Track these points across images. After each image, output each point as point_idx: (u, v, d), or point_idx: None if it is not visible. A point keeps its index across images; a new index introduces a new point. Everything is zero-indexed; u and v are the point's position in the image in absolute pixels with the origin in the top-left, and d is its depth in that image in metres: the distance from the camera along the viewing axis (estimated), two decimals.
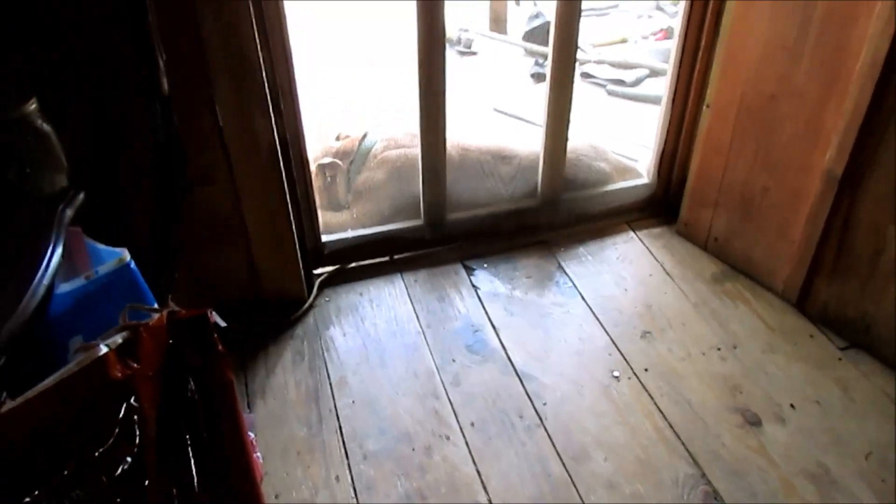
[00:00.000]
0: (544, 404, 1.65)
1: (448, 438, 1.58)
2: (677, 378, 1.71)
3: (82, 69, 1.36)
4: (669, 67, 2.02)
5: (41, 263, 1.03)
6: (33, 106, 1.12)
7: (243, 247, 1.74)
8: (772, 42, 1.68)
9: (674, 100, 2.03)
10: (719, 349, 1.79)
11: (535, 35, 3.51)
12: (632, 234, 2.17)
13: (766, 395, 1.66)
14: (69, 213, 1.14)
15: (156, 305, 1.18)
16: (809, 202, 1.72)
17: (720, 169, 1.94)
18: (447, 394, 1.68)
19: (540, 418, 1.62)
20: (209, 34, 1.43)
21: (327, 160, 2.22)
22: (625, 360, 1.77)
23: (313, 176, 1.92)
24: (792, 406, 1.64)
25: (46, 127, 1.15)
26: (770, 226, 1.86)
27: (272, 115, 1.60)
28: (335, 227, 2.08)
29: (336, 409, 1.65)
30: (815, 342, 1.80)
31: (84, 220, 1.20)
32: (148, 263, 1.22)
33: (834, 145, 1.61)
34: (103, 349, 0.95)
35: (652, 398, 1.67)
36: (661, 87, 2.17)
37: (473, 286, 2.00)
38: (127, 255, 1.17)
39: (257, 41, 1.50)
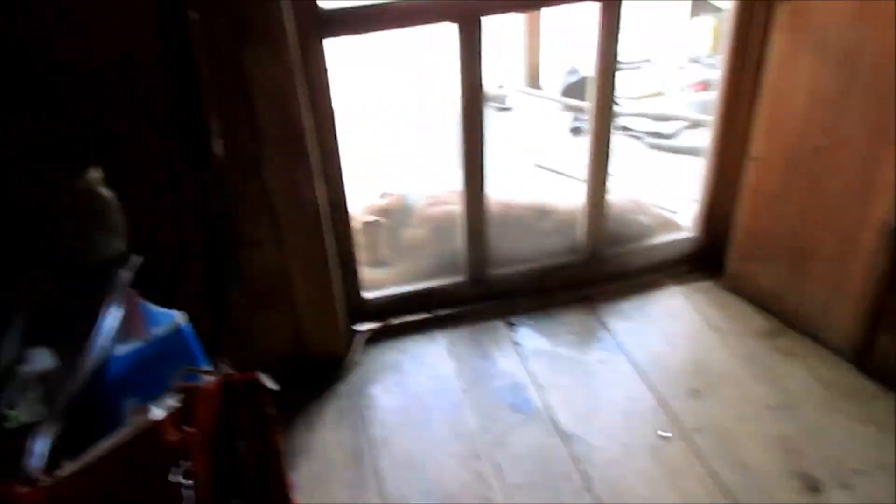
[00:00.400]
0: (591, 467, 1.62)
1: (493, 503, 1.55)
2: (730, 439, 1.66)
3: (142, 137, 1.42)
4: (712, 119, 2.03)
5: (100, 327, 1.06)
6: (97, 174, 1.17)
7: (288, 306, 1.77)
8: (816, 94, 1.68)
9: (716, 152, 2.03)
10: (774, 409, 1.74)
11: (573, 90, 3.57)
12: (677, 288, 2.15)
13: (827, 460, 1.60)
14: (127, 276, 1.18)
15: (208, 367, 1.20)
16: (865, 255, 1.69)
17: (768, 222, 1.92)
18: (491, 455, 1.66)
19: (587, 482, 1.58)
20: (259, 102, 1.49)
21: (371, 218, 2.26)
22: (674, 419, 1.73)
23: (357, 234, 1.95)
24: (856, 472, 1.57)
25: (108, 193, 1.20)
26: (823, 279, 1.83)
27: (317, 177, 1.65)
28: (378, 283, 2.10)
29: (378, 471, 1.64)
30: (878, 402, 1.73)
31: (140, 282, 1.24)
32: (201, 325, 1.24)
33: (888, 196, 1.59)
34: (158, 413, 0.97)
35: (704, 461, 1.62)
36: (700, 138, 2.18)
37: (516, 343, 1.99)
38: (181, 318, 1.20)
39: (303, 107, 1.55)
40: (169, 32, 1.34)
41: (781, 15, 1.70)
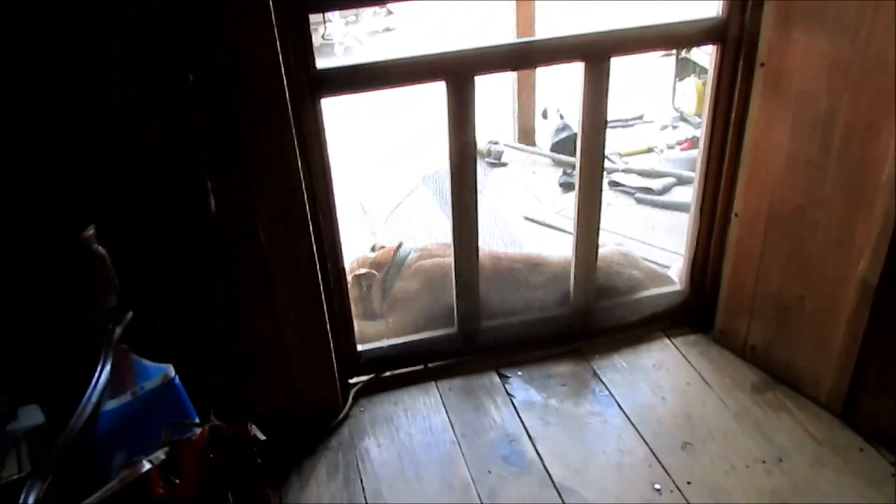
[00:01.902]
0: None
1: None
2: (722, 492, 1.65)
3: (137, 195, 1.45)
4: (696, 177, 2.07)
5: (91, 382, 1.06)
6: (91, 231, 1.19)
7: (280, 359, 1.77)
8: (795, 155, 1.72)
9: (702, 208, 2.06)
10: (764, 462, 1.72)
11: (563, 146, 3.63)
12: (667, 341, 2.15)
13: None
14: (118, 331, 1.19)
15: (197, 420, 1.20)
16: (847, 312, 1.70)
17: (753, 277, 1.94)
18: None
19: None
20: (255, 162, 1.52)
21: (363, 271, 2.27)
22: (666, 472, 1.71)
23: (349, 287, 1.96)
24: None
25: (101, 250, 1.22)
26: (808, 335, 1.84)
27: (311, 231, 1.67)
28: (370, 336, 2.10)
29: None
30: (866, 456, 1.72)
31: (130, 336, 1.24)
32: (192, 379, 1.25)
33: (867, 255, 1.62)
34: (146, 466, 0.97)
35: None
36: (689, 194, 2.21)
37: (508, 394, 1.98)
38: (171, 372, 1.20)
39: (299, 166, 1.58)
40: (167, 92, 1.38)
41: (760, 78, 1.76)
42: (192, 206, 1.46)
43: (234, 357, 1.66)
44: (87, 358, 1.11)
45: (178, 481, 0.98)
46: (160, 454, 0.99)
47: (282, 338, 1.73)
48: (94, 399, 1.05)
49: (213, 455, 1.04)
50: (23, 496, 0.93)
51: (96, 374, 1.07)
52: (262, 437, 1.08)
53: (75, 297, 1.18)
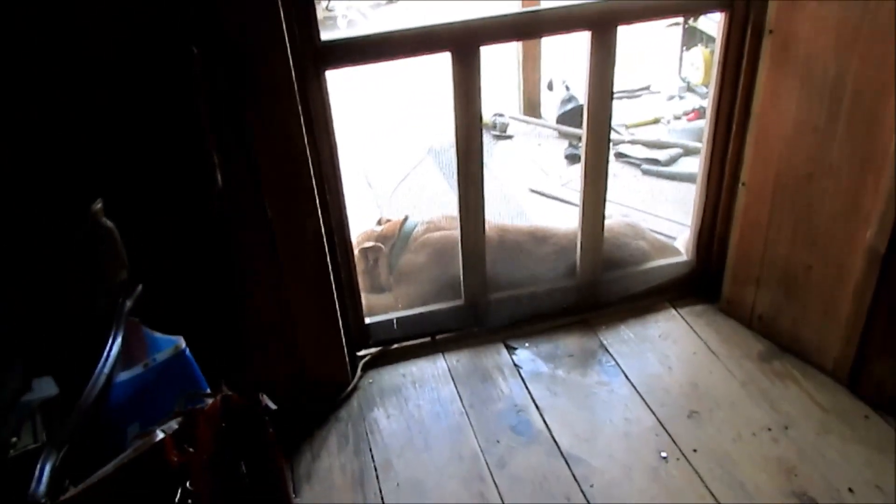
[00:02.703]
0: (592, 487, 1.62)
1: None
2: (729, 460, 1.67)
3: (144, 169, 1.45)
4: (703, 147, 2.06)
5: (103, 354, 1.08)
6: (99, 205, 1.19)
7: (289, 332, 1.78)
8: (802, 122, 1.71)
9: (709, 178, 2.05)
10: (770, 430, 1.74)
11: (569, 118, 3.60)
12: (674, 311, 2.16)
13: (823, 479, 1.60)
14: (129, 304, 1.20)
15: (209, 391, 1.22)
16: (854, 280, 1.70)
17: (760, 247, 1.93)
18: (493, 477, 1.66)
19: (588, 502, 1.58)
20: (260, 135, 1.51)
21: (370, 244, 2.28)
22: (673, 441, 1.73)
23: (356, 260, 1.97)
24: (851, 490, 1.57)
25: (109, 223, 1.23)
26: (815, 304, 1.84)
27: (318, 205, 1.67)
28: (378, 309, 2.11)
29: (381, 494, 1.64)
30: (871, 423, 1.73)
31: (141, 310, 1.26)
32: (203, 350, 1.26)
33: (875, 222, 1.61)
34: (160, 435, 0.98)
35: (703, 481, 1.62)
36: (696, 165, 2.20)
37: (516, 366, 1.99)
38: (182, 343, 1.21)
39: (305, 139, 1.58)
40: (171, 66, 1.37)
41: (768, 46, 1.74)
42: (198, 181, 1.46)
43: (241, 330, 1.67)
44: (100, 331, 1.12)
45: (191, 450, 1.00)
46: (173, 424, 1.00)
47: (290, 310, 1.74)
48: (106, 370, 1.06)
49: (226, 425, 1.06)
50: (39, 465, 0.94)
51: (108, 346, 1.08)
52: (274, 407, 1.10)
53: (86, 270, 1.19)
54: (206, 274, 1.58)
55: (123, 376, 1.15)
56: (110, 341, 1.12)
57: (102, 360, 1.09)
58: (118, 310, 1.18)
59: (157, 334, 1.24)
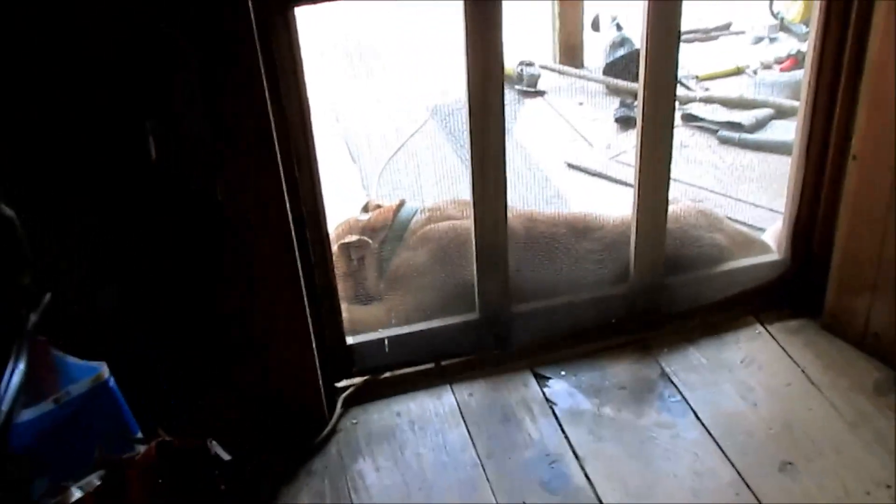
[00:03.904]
0: None
1: None
2: None
3: (55, 139, 1.46)
4: (801, 107, 2.06)
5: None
6: None
7: (248, 355, 1.79)
8: None
9: (808, 150, 2.05)
10: (890, 487, 1.74)
11: (621, 67, 3.61)
12: (760, 328, 2.17)
13: None
14: (34, 318, 1.21)
15: (140, 435, 1.23)
16: None
17: (877, 241, 1.93)
18: None
19: None
20: (206, 89, 1.52)
21: (353, 238, 2.29)
22: (758, 501, 1.74)
23: (335, 260, 1.98)
24: None
25: (9, 212, 1.24)
26: None
27: (284, 186, 1.68)
28: (364, 325, 2.12)
29: None
30: None
31: (50, 326, 1.27)
32: (130, 381, 1.27)
33: None
34: (76, 494, 0.99)
35: None
36: (791, 131, 2.20)
37: (548, 401, 2.00)
38: (105, 371, 1.22)
39: (267, 96, 1.59)
40: None
41: None
42: (126, 154, 1.47)
43: (185, 348, 1.68)
44: None
45: None
46: (94, 479, 1.02)
47: (250, 323, 1.75)
48: (4, 407, 1.07)
49: (163, 480, 1.07)
50: None
51: (6, 375, 1.09)
52: (226, 457, 1.11)
53: None
54: (138, 276, 1.59)
55: (27, 415, 1.16)
56: (10, 368, 1.13)
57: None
58: (19, 325, 1.19)
59: (73, 359, 1.25)
